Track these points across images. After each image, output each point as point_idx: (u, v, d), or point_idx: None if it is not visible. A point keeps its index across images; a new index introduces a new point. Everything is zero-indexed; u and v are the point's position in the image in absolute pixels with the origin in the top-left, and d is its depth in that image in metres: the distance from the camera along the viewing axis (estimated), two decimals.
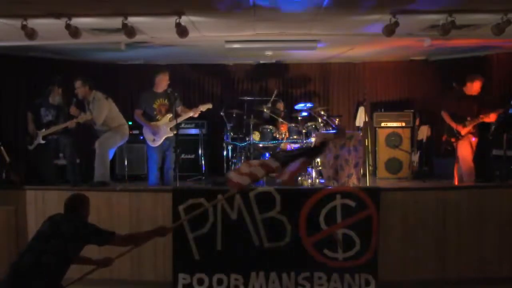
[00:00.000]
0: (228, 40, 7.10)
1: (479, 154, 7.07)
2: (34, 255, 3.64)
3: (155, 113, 7.07)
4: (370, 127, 8.61)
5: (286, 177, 4.40)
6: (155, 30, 6.33)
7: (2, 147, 6.84)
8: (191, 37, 5.94)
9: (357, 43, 7.85)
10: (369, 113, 8.97)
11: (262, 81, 9.95)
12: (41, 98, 7.11)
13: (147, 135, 7.11)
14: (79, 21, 5.61)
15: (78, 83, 6.80)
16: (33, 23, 5.59)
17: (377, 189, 5.86)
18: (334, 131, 7.71)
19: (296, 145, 7.86)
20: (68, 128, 6.81)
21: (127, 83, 9.60)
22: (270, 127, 8.15)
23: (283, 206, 5.49)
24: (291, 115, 8.71)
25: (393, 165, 8.87)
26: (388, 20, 5.59)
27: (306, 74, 9.99)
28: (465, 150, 6.85)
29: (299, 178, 6.92)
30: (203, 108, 7.26)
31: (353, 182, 6.80)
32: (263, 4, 5.21)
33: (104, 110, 6.76)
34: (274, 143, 8.08)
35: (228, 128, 8.38)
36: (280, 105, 8.83)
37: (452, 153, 7.11)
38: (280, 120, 8.28)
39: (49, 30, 5.88)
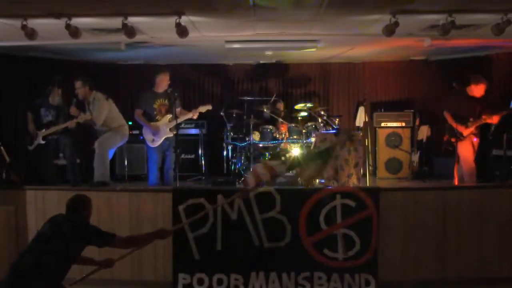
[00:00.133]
0: (228, 40, 7.10)
1: (480, 154, 7.07)
2: (34, 256, 3.64)
3: (155, 113, 7.07)
4: (370, 127, 8.60)
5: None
6: (155, 30, 6.33)
7: (2, 147, 6.84)
8: (191, 37, 5.93)
9: (357, 43, 7.85)
10: (369, 113, 8.96)
11: (262, 81, 9.95)
12: (41, 98, 7.11)
13: (147, 135, 7.11)
14: (79, 21, 5.61)
15: (78, 84, 6.80)
16: (33, 23, 5.59)
17: (377, 189, 5.86)
18: (334, 131, 7.71)
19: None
20: (68, 128, 6.81)
21: (127, 83, 9.60)
22: (270, 127, 8.15)
23: (283, 206, 5.49)
24: (291, 115, 8.72)
25: (393, 165, 8.86)
26: (388, 20, 5.59)
27: (306, 74, 9.99)
28: (466, 150, 6.82)
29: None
30: (203, 109, 7.25)
31: (353, 182, 6.80)
32: (263, 4, 5.21)
33: (104, 110, 6.76)
34: (274, 143, 8.08)
35: (228, 128, 8.38)
36: (280, 105, 8.84)
37: (452, 153, 7.10)
38: (280, 120, 8.28)
39: (49, 30, 5.88)
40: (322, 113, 8.29)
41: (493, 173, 7.30)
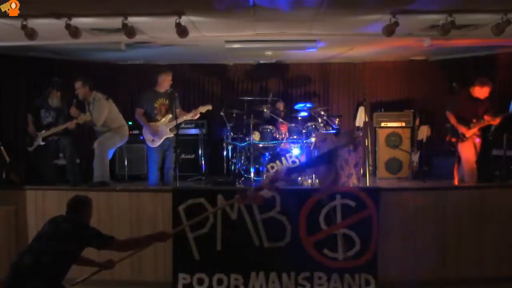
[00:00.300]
0: (228, 40, 7.10)
1: (480, 154, 7.05)
2: (34, 256, 3.64)
3: (155, 112, 7.07)
4: (370, 127, 8.60)
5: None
6: (155, 30, 6.33)
7: (2, 147, 6.84)
8: (191, 37, 5.94)
9: (357, 43, 7.85)
10: (369, 113, 8.96)
11: (262, 81, 9.95)
12: (41, 99, 7.10)
13: (147, 135, 7.11)
14: (79, 21, 5.61)
15: (78, 84, 6.79)
16: (33, 23, 5.59)
17: (377, 189, 5.86)
18: (334, 131, 7.71)
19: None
20: (68, 129, 6.80)
21: (127, 83, 9.60)
22: (270, 127, 8.15)
23: (283, 206, 5.49)
24: (291, 115, 8.72)
25: (393, 165, 8.86)
26: (388, 20, 5.59)
27: (306, 74, 9.99)
28: (468, 151, 6.79)
29: (299, 178, 6.91)
30: (203, 109, 7.24)
31: (353, 182, 6.80)
32: (263, 4, 5.21)
33: (104, 111, 6.76)
34: (274, 143, 8.08)
35: (228, 128, 8.38)
36: (280, 105, 8.84)
37: (452, 153, 7.10)
38: (280, 120, 8.29)
39: (49, 30, 5.88)
40: (322, 113, 8.29)
41: (493, 173, 7.30)
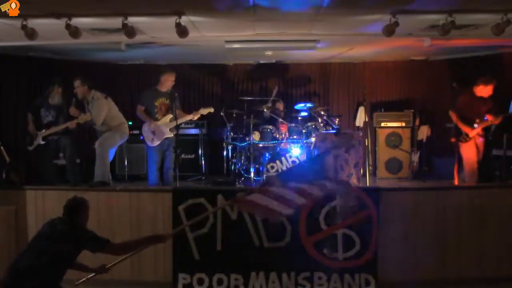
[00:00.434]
0: (228, 40, 7.09)
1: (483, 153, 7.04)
2: (32, 257, 3.65)
3: (155, 110, 7.08)
4: (370, 127, 8.60)
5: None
6: (155, 30, 6.33)
7: (2, 147, 6.84)
8: (191, 37, 5.93)
9: (357, 43, 7.85)
10: (369, 113, 8.96)
11: (262, 81, 9.94)
12: (41, 98, 7.11)
13: (146, 134, 7.11)
14: (79, 21, 5.61)
15: (77, 83, 6.79)
16: (33, 23, 5.59)
17: (377, 189, 5.87)
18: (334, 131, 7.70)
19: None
20: (69, 128, 6.80)
21: (127, 83, 9.60)
22: (270, 127, 8.14)
23: None
24: (291, 115, 8.71)
25: (393, 165, 8.86)
26: (388, 20, 5.59)
27: (306, 74, 9.99)
28: (470, 151, 6.77)
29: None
30: (204, 111, 7.23)
31: (353, 182, 6.80)
32: (263, 4, 5.20)
33: (103, 109, 6.75)
34: (274, 143, 8.08)
35: (228, 128, 8.38)
36: (280, 105, 8.83)
37: (453, 153, 7.09)
38: (280, 120, 8.28)
39: (49, 30, 5.88)
40: (322, 113, 8.28)
41: (493, 173, 7.29)
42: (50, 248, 3.67)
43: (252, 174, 7.77)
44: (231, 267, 5.54)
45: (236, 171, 8.18)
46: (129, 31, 5.70)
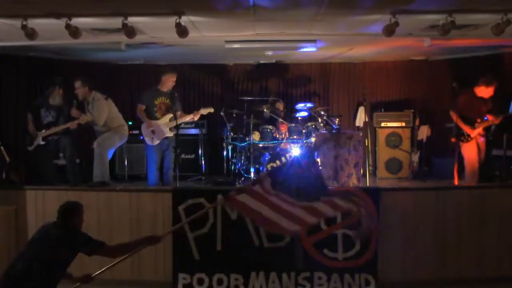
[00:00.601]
0: (228, 40, 7.09)
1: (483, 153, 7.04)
2: (26, 262, 3.63)
3: (155, 109, 7.08)
4: (370, 127, 8.60)
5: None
6: (155, 30, 6.32)
7: (2, 147, 6.84)
8: (191, 37, 5.93)
9: (357, 43, 7.85)
10: (369, 113, 8.97)
11: (262, 81, 9.94)
12: (41, 98, 7.11)
13: (146, 133, 7.11)
14: (79, 21, 5.61)
15: (78, 83, 6.80)
16: (33, 23, 5.59)
17: (377, 189, 5.87)
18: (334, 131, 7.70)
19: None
20: (70, 129, 6.80)
21: (127, 83, 9.60)
22: (270, 127, 8.15)
23: None
24: (291, 115, 8.71)
25: (393, 165, 8.86)
26: (388, 20, 5.59)
27: (306, 74, 9.98)
28: (470, 151, 6.77)
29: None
30: (204, 112, 7.24)
31: (353, 182, 6.80)
32: (263, 4, 5.20)
33: (104, 110, 6.76)
34: (274, 143, 8.08)
35: (228, 128, 8.38)
36: (280, 105, 8.83)
37: (453, 153, 7.09)
38: (280, 120, 8.28)
39: (49, 30, 5.88)
40: (322, 113, 8.28)
41: (493, 173, 7.29)
42: (44, 254, 3.65)
43: (252, 174, 7.77)
44: (231, 267, 5.54)
45: (236, 171, 8.19)
46: (129, 31, 5.70)
